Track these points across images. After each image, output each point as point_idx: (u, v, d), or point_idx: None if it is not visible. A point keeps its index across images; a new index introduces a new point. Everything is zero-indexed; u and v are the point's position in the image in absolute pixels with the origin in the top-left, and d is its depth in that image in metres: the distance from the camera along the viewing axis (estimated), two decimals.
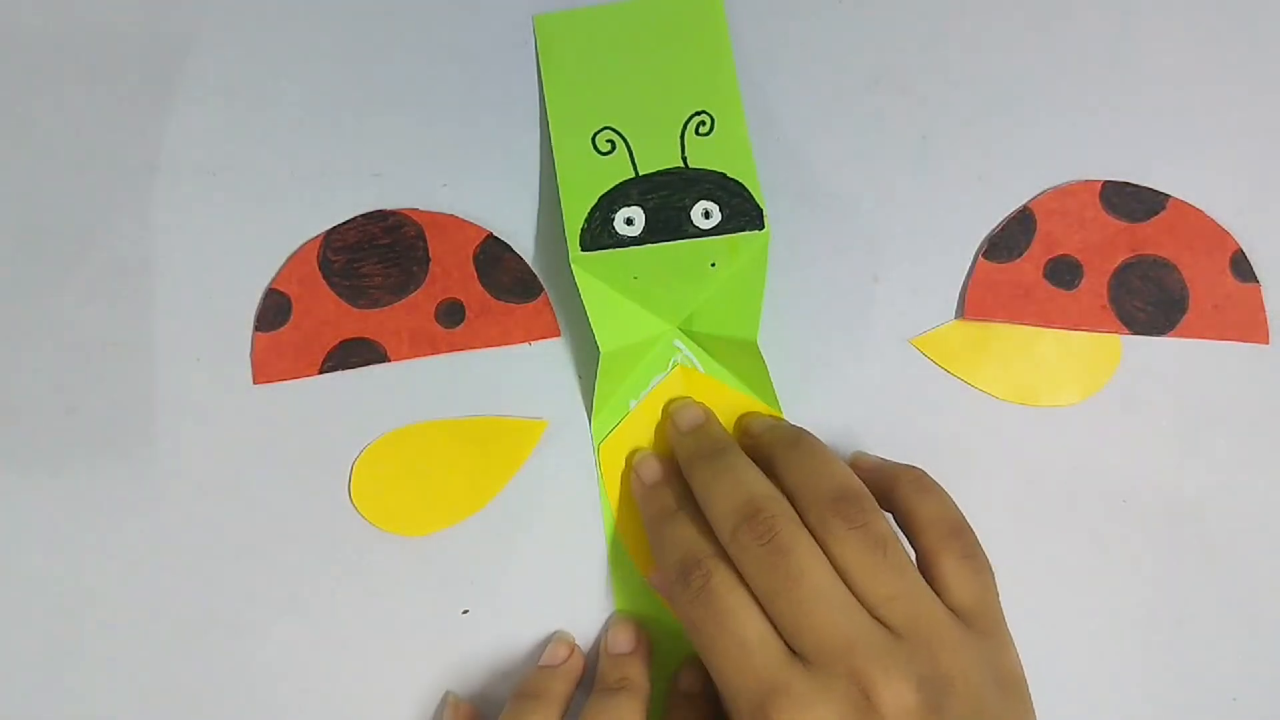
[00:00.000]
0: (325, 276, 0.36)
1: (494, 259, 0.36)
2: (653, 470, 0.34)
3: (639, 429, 0.36)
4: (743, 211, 0.34)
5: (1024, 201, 0.38)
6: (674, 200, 0.34)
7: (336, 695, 0.34)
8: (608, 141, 0.35)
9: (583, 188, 0.35)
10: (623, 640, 0.34)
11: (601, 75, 0.37)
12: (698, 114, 0.36)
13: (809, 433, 0.33)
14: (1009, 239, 0.37)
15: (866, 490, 0.30)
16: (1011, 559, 0.35)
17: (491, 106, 0.38)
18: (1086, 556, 0.36)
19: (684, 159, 0.35)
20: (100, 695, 0.34)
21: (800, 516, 0.30)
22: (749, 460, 0.32)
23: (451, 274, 0.36)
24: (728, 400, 0.36)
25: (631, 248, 0.34)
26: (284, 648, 0.34)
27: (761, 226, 0.34)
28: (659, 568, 0.32)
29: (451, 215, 0.37)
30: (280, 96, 0.38)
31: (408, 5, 0.38)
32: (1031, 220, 0.37)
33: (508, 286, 0.36)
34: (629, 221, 0.34)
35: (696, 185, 0.34)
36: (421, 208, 0.37)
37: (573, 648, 0.34)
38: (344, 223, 0.36)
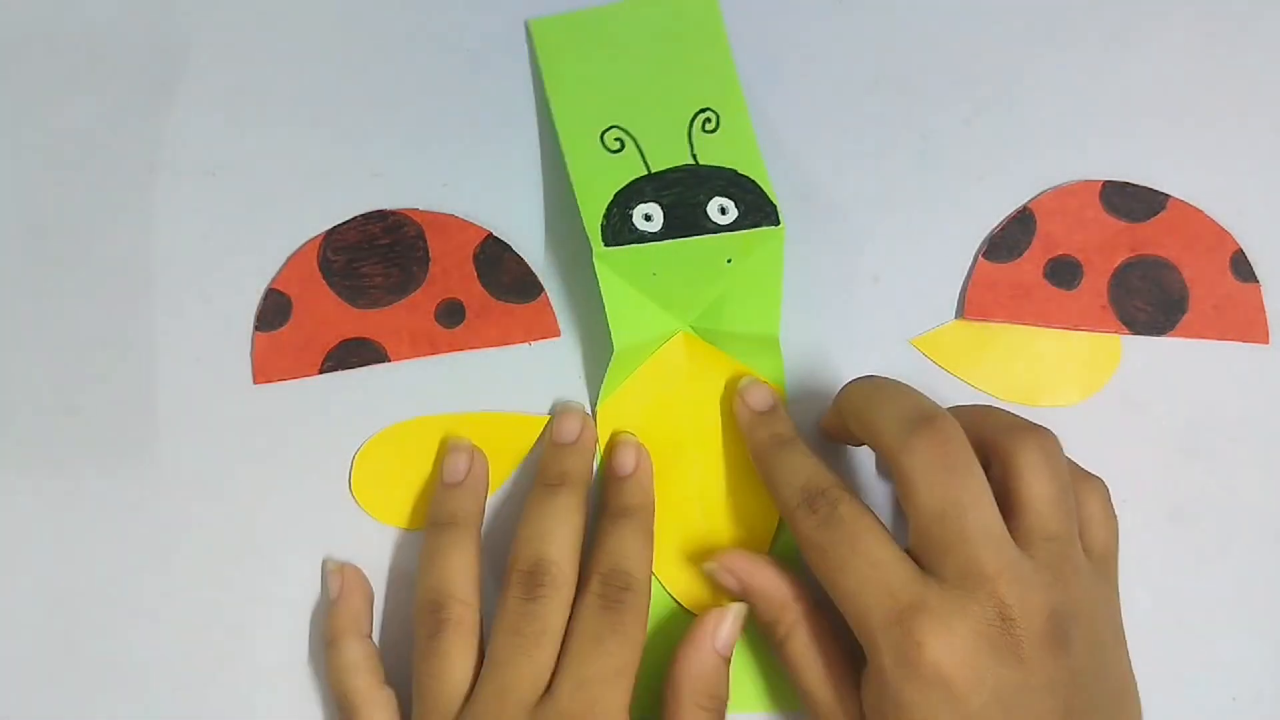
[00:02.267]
0: (325, 276, 0.36)
1: (494, 259, 0.36)
2: (763, 397, 0.34)
3: (640, 392, 0.36)
4: (758, 207, 0.34)
5: (1024, 201, 0.38)
6: (689, 197, 0.34)
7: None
8: (616, 140, 0.35)
9: (597, 185, 0.35)
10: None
11: (603, 76, 0.37)
12: (702, 111, 0.36)
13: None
14: (1009, 239, 0.37)
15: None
16: None
17: (491, 106, 0.38)
18: None
19: (694, 156, 0.35)
20: (100, 695, 0.34)
21: (995, 440, 0.30)
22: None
23: (451, 274, 0.36)
24: (728, 368, 0.36)
25: (652, 243, 0.34)
26: (284, 648, 0.34)
27: (776, 222, 0.34)
28: (774, 491, 0.32)
29: (451, 215, 0.37)
30: (280, 96, 0.38)
31: (407, 5, 0.38)
32: (1031, 220, 0.37)
33: (508, 286, 0.36)
34: (647, 218, 0.34)
35: (709, 182, 0.34)
36: (421, 208, 0.37)
37: (584, 420, 0.35)
38: (344, 223, 0.36)
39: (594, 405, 0.36)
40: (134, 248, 0.36)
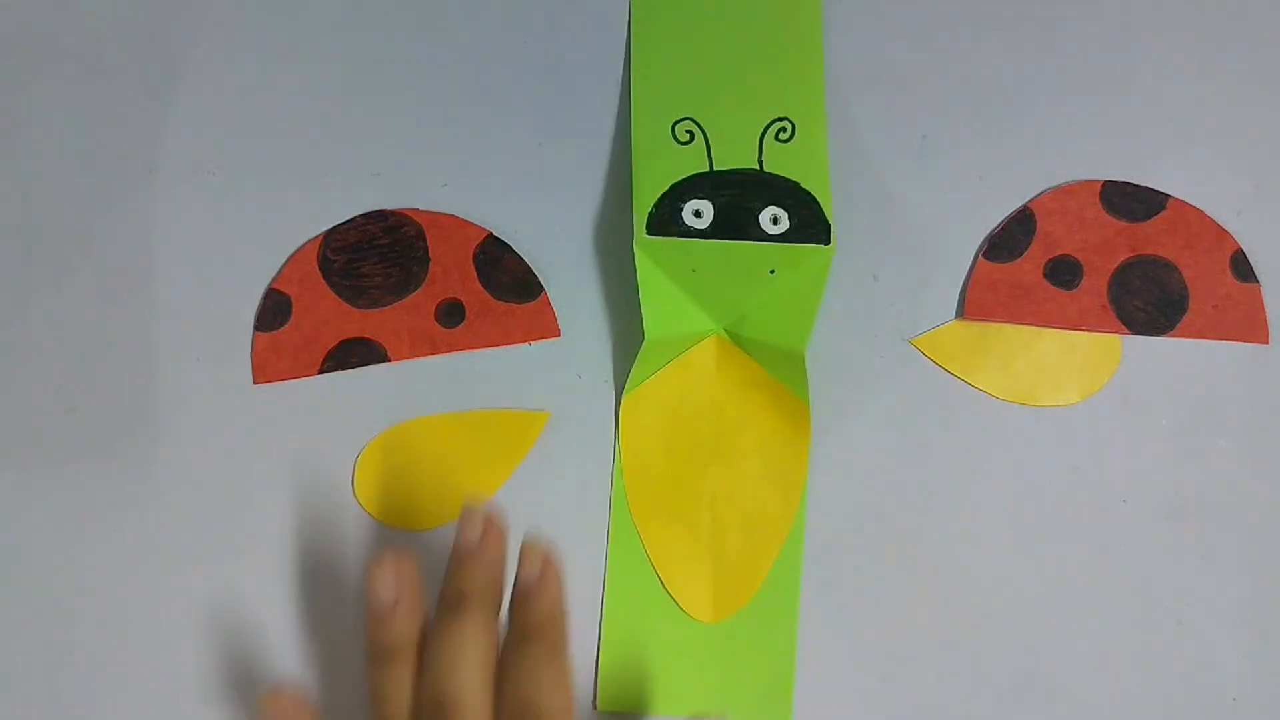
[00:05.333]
0: (325, 276, 0.36)
1: (494, 259, 0.36)
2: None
3: (664, 391, 0.36)
4: (811, 223, 0.34)
5: (1024, 201, 0.38)
6: (745, 201, 0.34)
7: (338, 695, 0.34)
8: (687, 132, 0.36)
9: (656, 173, 0.35)
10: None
11: (690, 66, 0.37)
12: (780, 120, 0.36)
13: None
14: (1009, 239, 0.37)
15: None
16: (1011, 559, 0.35)
17: (492, 106, 0.38)
18: (1086, 556, 0.36)
19: (760, 162, 0.35)
20: (100, 695, 0.34)
21: None
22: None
23: (451, 274, 0.36)
24: (755, 377, 0.35)
25: (696, 240, 0.34)
26: (284, 648, 0.34)
27: (827, 241, 0.34)
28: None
29: (451, 215, 0.37)
30: (280, 96, 0.38)
31: (407, 5, 0.38)
32: (1031, 220, 0.37)
33: (508, 286, 0.36)
34: (697, 214, 0.34)
35: (769, 190, 0.35)
36: (421, 208, 0.37)
37: (487, 521, 0.30)
38: (344, 223, 0.36)
39: (591, 406, 0.36)
40: (134, 248, 0.36)
